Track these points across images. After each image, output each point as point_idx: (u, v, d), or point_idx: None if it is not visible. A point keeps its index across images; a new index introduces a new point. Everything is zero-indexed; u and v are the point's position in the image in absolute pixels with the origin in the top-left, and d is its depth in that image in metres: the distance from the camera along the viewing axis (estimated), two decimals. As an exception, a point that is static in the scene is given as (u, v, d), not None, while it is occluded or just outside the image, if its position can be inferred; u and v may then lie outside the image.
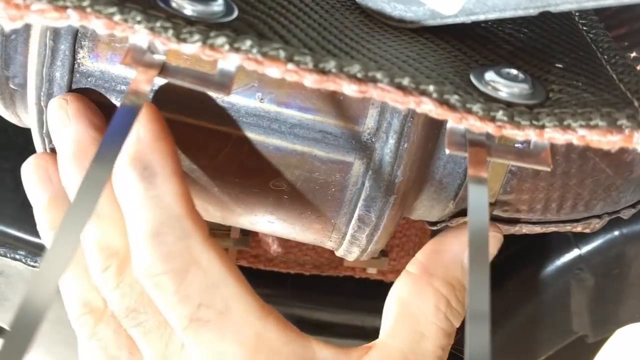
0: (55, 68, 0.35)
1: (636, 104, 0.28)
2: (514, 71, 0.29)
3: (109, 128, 0.26)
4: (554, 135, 0.27)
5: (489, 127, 0.27)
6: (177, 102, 0.35)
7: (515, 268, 0.66)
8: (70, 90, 0.35)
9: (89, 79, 0.35)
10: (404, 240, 0.64)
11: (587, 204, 0.45)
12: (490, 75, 0.29)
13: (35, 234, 0.55)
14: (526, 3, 0.30)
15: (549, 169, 0.29)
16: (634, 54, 0.41)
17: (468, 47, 0.32)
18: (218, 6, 0.28)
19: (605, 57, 0.34)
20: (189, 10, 0.27)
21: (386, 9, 0.33)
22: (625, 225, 0.61)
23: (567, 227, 0.47)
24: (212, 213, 0.41)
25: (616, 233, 0.62)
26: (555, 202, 0.44)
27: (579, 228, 0.48)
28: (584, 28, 0.36)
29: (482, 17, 0.31)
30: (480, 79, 0.29)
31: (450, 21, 0.32)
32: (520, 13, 0.30)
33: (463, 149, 0.28)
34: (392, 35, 0.32)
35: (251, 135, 0.36)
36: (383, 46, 0.30)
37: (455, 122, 0.27)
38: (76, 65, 0.35)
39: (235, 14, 0.28)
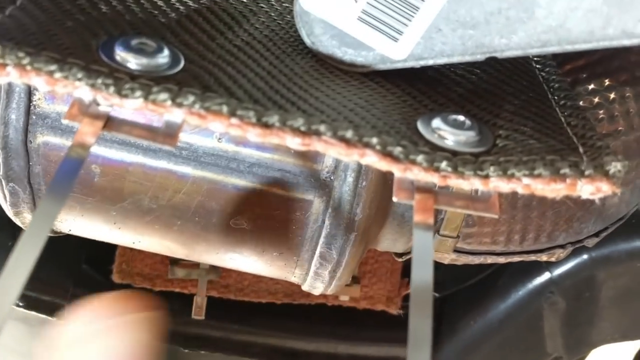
0: (11, 110, 0.35)
1: (581, 150, 0.28)
2: (461, 118, 0.29)
3: (52, 180, 0.26)
4: (499, 184, 0.27)
5: (433, 178, 0.27)
6: (135, 143, 0.35)
7: (488, 292, 0.66)
8: (26, 132, 0.35)
9: (45, 121, 0.35)
10: (376, 267, 0.64)
11: (550, 235, 0.45)
12: (437, 123, 0.29)
13: None
14: (473, 49, 0.30)
15: (496, 217, 0.29)
16: (592, 86, 0.42)
17: (418, 91, 0.33)
18: (163, 58, 0.27)
19: (556, 97, 0.34)
20: (133, 64, 0.27)
21: (337, 53, 0.33)
22: (594, 249, 0.61)
23: (532, 257, 0.48)
24: (175, 251, 0.40)
25: (585, 257, 0.62)
26: (517, 234, 0.44)
27: (543, 257, 0.48)
28: (537, 66, 0.36)
29: (430, 62, 0.31)
30: (427, 127, 0.29)
31: (399, 65, 0.32)
32: (467, 58, 0.31)
33: (411, 196, 0.28)
34: (342, 81, 0.32)
35: (210, 174, 0.36)
36: (332, 93, 0.30)
37: (399, 173, 0.27)
38: (32, 107, 0.35)
39: (181, 64, 0.28)
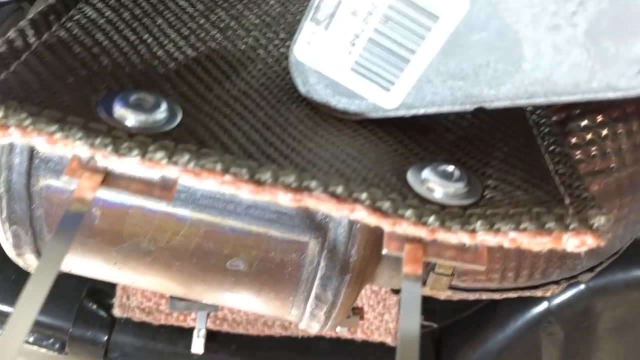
0: (14, 155, 0.36)
1: (567, 201, 0.29)
2: (450, 168, 0.30)
3: (54, 234, 0.26)
4: (486, 238, 0.27)
5: (421, 232, 0.27)
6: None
7: (487, 322, 0.67)
8: (29, 175, 0.36)
9: (47, 165, 0.36)
10: (374, 299, 0.64)
11: (544, 272, 0.45)
12: (426, 173, 0.29)
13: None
14: (462, 99, 0.31)
15: (483, 268, 0.29)
16: (584, 123, 0.42)
17: (410, 139, 0.33)
18: (161, 113, 0.28)
19: (545, 143, 0.34)
20: (131, 120, 0.27)
21: (331, 101, 0.33)
22: (591, 279, 0.61)
23: (526, 293, 0.48)
24: (174, 290, 0.41)
25: (583, 287, 0.63)
26: (512, 271, 0.45)
27: (538, 293, 0.49)
28: (529, 108, 0.37)
29: (421, 111, 0.32)
30: (417, 177, 0.29)
31: (392, 114, 0.33)
32: (457, 108, 0.31)
33: (401, 247, 0.28)
34: (336, 129, 0.33)
35: (207, 217, 0.36)
36: (325, 143, 0.31)
37: (388, 227, 0.27)
38: (35, 152, 0.36)
39: (179, 118, 0.29)
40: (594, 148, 0.42)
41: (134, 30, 0.35)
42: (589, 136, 0.42)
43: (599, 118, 0.42)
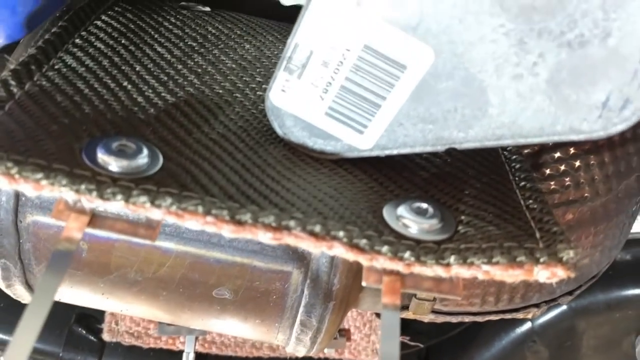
0: (1, 193, 0.36)
1: (537, 235, 0.30)
2: (424, 205, 0.31)
3: (45, 272, 0.27)
4: (460, 270, 0.28)
5: (398, 266, 0.28)
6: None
7: (472, 341, 0.68)
8: (16, 212, 0.37)
9: (34, 201, 0.37)
10: (362, 322, 0.65)
11: (524, 296, 0.47)
12: (401, 210, 0.31)
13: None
14: (433, 141, 0.32)
15: (459, 298, 0.30)
16: (557, 154, 0.43)
17: (385, 176, 0.34)
18: (143, 158, 0.29)
19: (516, 179, 0.36)
20: (114, 166, 0.28)
21: (307, 142, 0.35)
22: (573, 300, 0.63)
23: (508, 316, 0.49)
24: (162, 317, 0.42)
25: (565, 307, 0.64)
26: (492, 295, 0.46)
27: (519, 316, 0.50)
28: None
29: (395, 152, 0.33)
30: (392, 214, 0.31)
31: (366, 154, 0.34)
32: (428, 149, 0.33)
33: (379, 280, 0.30)
34: (313, 169, 0.34)
35: (192, 249, 0.37)
36: (303, 183, 0.32)
37: (366, 262, 0.28)
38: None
39: (160, 163, 0.30)
40: (567, 179, 0.43)
41: (114, 77, 0.36)
42: (562, 167, 0.43)
43: (572, 150, 0.43)
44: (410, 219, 0.30)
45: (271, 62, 0.42)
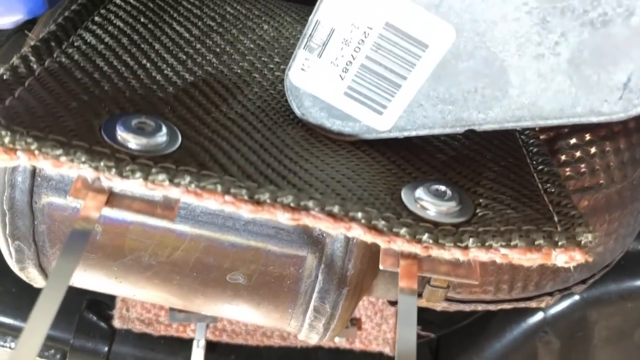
0: (17, 173, 0.36)
1: (556, 218, 0.30)
2: (442, 187, 0.31)
3: (62, 252, 0.27)
4: (478, 254, 0.28)
5: (416, 249, 0.28)
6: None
7: (484, 331, 0.68)
8: (31, 193, 0.37)
9: (49, 182, 0.37)
10: (373, 311, 0.65)
11: (537, 284, 0.46)
12: (419, 193, 0.31)
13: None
14: (452, 122, 0.32)
15: (476, 283, 0.30)
16: (573, 140, 0.43)
17: (403, 159, 0.34)
18: (162, 137, 0.29)
19: (534, 162, 0.35)
20: (133, 144, 0.29)
21: (326, 124, 0.35)
22: (585, 290, 0.62)
23: (521, 304, 0.49)
24: (174, 302, 0.42)
25: (577, 297, 0.63)
26: (506, 283, 0.46)
27: (532, 304, 0.50)
28: (518, 129, 0.38)
29: (413, 133, 0.33)
30: (411, 196, 0.31)
31: (384, 136, 0.34)
32: (447, 131, 0.32)
33: (396, 263, 0.30)
34: (331, 150, 0.34)
35: (206, 233, 0.37)
36: (321, 164, 0.32)
37: (384, 244, 0.28)
38: (37, 170, 0.37)
39: (179, 141, 0.30)
40: (582, 165, 0.43)
41: (133, 55, 0.36)
42: (577, 154, 0.43)
43: (587, 136, 0.43)
44: (428, 201, 0.30)
45: (289, 43, 0.42)
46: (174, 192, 0.27)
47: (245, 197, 0.27)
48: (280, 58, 0.40)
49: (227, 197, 0.27)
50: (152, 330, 0.60)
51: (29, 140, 0.27)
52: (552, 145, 0.44)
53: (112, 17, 0.38)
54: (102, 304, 0.60)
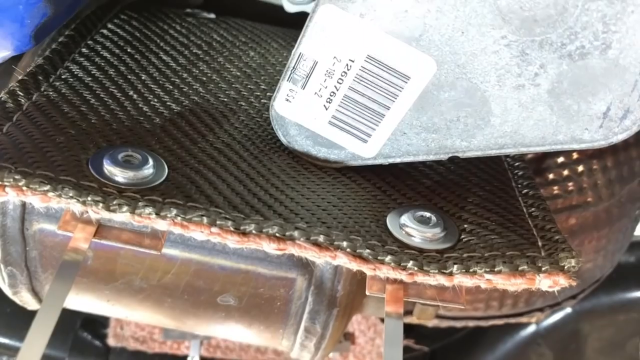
0: (8, 202, 0.37)
1: (540, 243, 0.30)
2: (427, 214, 0.31)
3: (53, 282, 0.28)
4: (463, 280, 0.29)
5: (401, 275, 0.29)
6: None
7: (477, 344, 0.68)
8: (22, 220, 0.37)
9: (40, 209, 0.37)
10: (366, 326, 0.65)
11: (527, 300, 0.47)
12: (405, 219, 0.31)
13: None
14: (436, 150, 0.32)
15: (462, 307, 0.31)
16: (561, 159, 0.44)
17: (388, 184, 0.35)
18: (148, 169, 0.30)
19: (519, 186, 0.36)
20: (120, 177, 0.29)
21: (311, 151, 0.35)
22: (578, 302, 0.63)
23: (512, 320, 0.50)
24: (167, 323, 0.42)
25: (570, 310, 0.64)
26: (496, 300, 0.46)
27: (523, 320, 0.50)
28: None
29: (398, 160, 0.33)
30: (396, 223, 0.31)
31: (370, 162, 0.34)
32: (432, 157, 0.33)
33: (383, 289, 0.30)
34: (317, 177, 0.34)
35: (196, 256, 0.37)
36: (307, 192, 0.32)
37: (369, 272, 0.29)
38: None
39: (165, 173, 0.30)
40: (570, 183, 0.44)
41: (120, 87, 0.36)
42: (565, 172, 0.44)
43: (575, 155, 0.43)
44: (413, 228, 0.30)
45: (275, 70, 0.42)
46: (161, 225, 0.28)
47: (231, 229, 0.28)
48: (267, 85, 0.40)
49: (214, 229, 0.28)
50: (147, 347, 0.60)
51: (17, 177, 0.27)
52: (540, 163, 0.44)
53: (99, 48, 0.39)
54: (97, 322, 0.61)
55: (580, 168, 0.44)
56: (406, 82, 0.31)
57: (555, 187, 0.44)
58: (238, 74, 0.41)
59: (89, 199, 0.27)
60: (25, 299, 0.41)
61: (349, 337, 0.62)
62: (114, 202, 0.27)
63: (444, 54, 0.29)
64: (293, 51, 0.32)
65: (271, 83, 0.41)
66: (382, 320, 0.48)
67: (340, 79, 0.31)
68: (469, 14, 0.28)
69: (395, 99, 0.31)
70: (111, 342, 0.60)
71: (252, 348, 0.62)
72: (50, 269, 0.38)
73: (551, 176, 0.44)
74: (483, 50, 0.29)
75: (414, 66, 0.30)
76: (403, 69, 0.30)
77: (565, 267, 0.29)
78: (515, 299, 0.47)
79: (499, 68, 0.29)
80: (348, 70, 0.31)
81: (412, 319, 0.46)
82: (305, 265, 0.37)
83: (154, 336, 0.61)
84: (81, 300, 0.40)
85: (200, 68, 0.40)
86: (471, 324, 0.49)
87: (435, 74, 0.30)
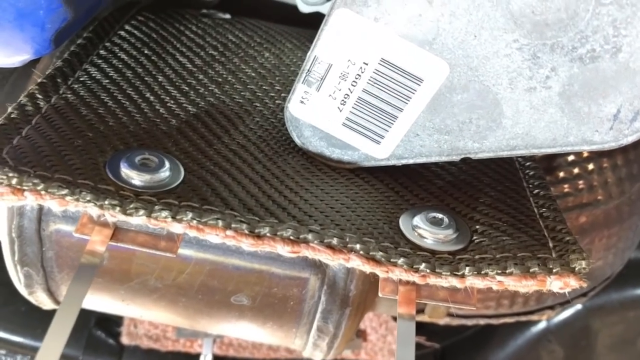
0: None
1: (551, 244, 0.30)
2: (439, 215, 0.32)
3: (70, 285, 0.28)
4: (475, 281, 0.29)
5: (414, 277, 0.29)
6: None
7: (488, 341, 0.68)
8: (39, 221, 0.38)
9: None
10: (378, 323, 0.66)
11: (538, 298, 0.47)
12: (417, 220, 0.31)
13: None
14: (448, 151, 0.33)
15: (474, 309, 0.31)
16: (571, 157, 0.44)
17: (401, 185, 0.35)
18: (165, 172, 0.30)
19: (530, 186, 0.36)
20: (137, 180, 0.29)
21: (325, 152, 0.35)
22: (588, 299, 0.63)
23: (522, 318, 0.50)
24: (181, 322, 0.42)
25: (580, 307, 0.64)
26: (507, 298, 0.46)
27: (534, 317, 0.50)
28: None
29: (410, 161, 0.34)
30: (408, 224, 0.31)
31: (383, 163, 0.35)
32: (444, 159, 0.33)
33: (395, 290, 0.30)
34: (330, 178, 0.35)
35: (211, 256, 0.37)
36: (320, 193, 0.33)
37: (382, 274, 0.29)
38: None
39: (182, 176, 0.31)
40: (581, 182, 0.44)
41: (137, 89, 0.37)
42: (575, 170, 0.44)
43: (585, 153, 0.43)
44: (426, 230, 0.31)
45: (290, 70, 0.43)
46: (176, 228, 0.28)
47: (246, 232, 0.28)
48: (282, 86, 0.41)
49: (229, 232, 0.28)
50: (160, 346, 0.61)
51: (36, 181, 0.27)
52: (551, 162, 0.44)
53: (117, 50, 0.39)
54: (111, 321, 0.61)
55: (591, 166, 0.44)
56: (419, 85, 0.31)
57: (566, 185, 0.44)
58: (253, 74, 0.41)
59: (106, 202, 0.28)
60: (40, 299, 0.41)
61: (361, 335, 0.62)
62: (131, 206, 0.28)
63: (456, 57, 0.30)
64: (308, 54, 0.32)
65: (285, 84, 0.41)
66: (394, 318, 0.49)
67: (354, 81, 0.32)
68: (482, 17, 0.29)
69: (409, 101, 0.32)
70: (125, 340, 0.60)
71: (264, 346, 0.63)
72: (66, 269, 0.38)
73: (562, 174, 0.44)
74: (495, 53, 0.29)
75: (427, 69, 0.30)
76: (416, 71, 0.31)
77: (576, 269, 0.29)
78: (527, 298, 0.47)
79: (511, 71, 0.29)
80: (362, 73, 0.31)
81: (424, 317, 0.46)
82: (318, 265, 0.38)
83: (167, 334, 0.61)
84: (96, 300, 0.41)
85: (216, 69, 0.41)
86: (482, 322, 0.50)
87: (448, 76, 0.30)
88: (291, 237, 0.29)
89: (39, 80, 0.34)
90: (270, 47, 0.44)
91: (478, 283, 0.29)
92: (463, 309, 0.31)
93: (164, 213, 0.28)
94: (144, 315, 0.42)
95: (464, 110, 0.31)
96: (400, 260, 0.29)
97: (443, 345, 0.69)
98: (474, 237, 0.31)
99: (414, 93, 0.31)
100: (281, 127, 0.37)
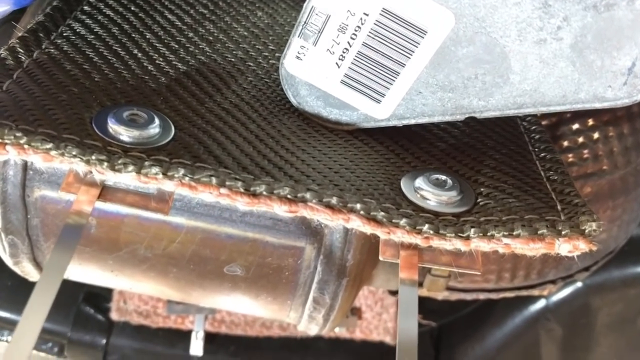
0: (9, 167, 0.36)
1: (559, 207, 0.29)
2: (443, 177, 0.30)
3: (55, 247, 0.27)
4: (480, 244, 0.28)
5: (416, 239, 0.28)
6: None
7: (485, 319, 0.67)
8: (23, 187, 0.36)
9: (41, 176, 0.36)
10: (373, 300, 0.65)
11: (540, 272, 0.46)
12: (419, 182, 0.30)
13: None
14: (452, 110, 0.31)
15: (478, 273, 0.30)
16: (576, 126, 0.43)
17: (402, 148, 0.34)
18: (154, 128, 0.29)
19: (536, 150, 0.35)
20: (125, 136, 0.28)
21: (322, 113, 0.34)
22: (588, 276, 0.62)
23: (523, 292, 0.49)
24: (172, 295, 0.41)
25: (580, 284, 0.63)
26: (508, 272, 0.45)
27: (535, 292, 0.49)
28: (520, 116, 0.38)
29: (412, 121, 0.32)
30: (410, 186, 0.30)
31: (383, 124, 0.33)
32: (447, 118, 0.32)
33: (396, 254, 0.29)
34: (328, 140, 0.34)
35: (203, 225, 0.36)
36: (318, 154, 0.32)
37: (383, 235, 0.28)
38: (29, 163, 0.36)
39: (172, 133, 0.29)
40: (585, 151, 0.43)
41: (124, 45, 0.35)
42: (580, 139, 0.43)
43: (590, 121, 0.42)
44: (428, 191, 0.30)
45: (284, 30, 0.41)
46: (168, 185, 0.27)
47: (241, 190, 0.27)
48: (275, 45, 0.40)
49: (223, 190, 0.27)
50: (150, 322, 0.60)
51: (18, 134, 0.26)
52: (555, 131, 0.43)
53: (102, 6, 0.38)
54: (100, 296, 0.60)
55: (596, 135, 0.43)
56: (423, 37, 0.30)
57: (570, 155, 0.43)
58: (245, 34, 0.40)
59: (93, 158, 0.26)
60: (26, 270, 0.40)
61: (356, 312, 0.61)
62: (119, 162, 0.27)
63: (462, 7, 0.28)
64: (305, 4, 0.30)
65: (279, 43, 0.40)
66: (391, 292, 0.48)
67: (353, 34, 0.30)
68: None
69: (411, 55, 0.30)
70: (114, 316, 0.59)
71: (257, 323, 0.62)
72: (52, 238, 0.37)
73: (566, 143, 0.43)
74: (504, 2, 0.28)
75: (431, 20, 0.29)
76: (420, 22, 0.29)
77: (586, 231, 0.28)
78: (528, 271, 0.46)
79: (520, 21, 0.28)
80: (362, 24, 0.30)
81: (422, 291, 0.45)
82: (314, 234, 0.37)
83: (157, 310, 0.60)
84: (84, 271, 0.40)
85: (207, 27, 0.39)
86: (482, 296, 0.49)
87: (453, 28, 0.29)
88: (288, 196, 0.27)
89: (20, 35, 0.33)
90: (262, 6, 0.43)
91: (484, 245, 0.28)
92: (467, 273, 0.30)
93: (155, 169, 0.27)
94: (133, 287, 0.41)
95: (469, 65, 0.30)
96: (403, 221, 0.28)
97: (439, 323, 0.68)
98: (479, 200, 0.30)
99: (417, 46, 0.30)
100: (275, 88, 0.36)
